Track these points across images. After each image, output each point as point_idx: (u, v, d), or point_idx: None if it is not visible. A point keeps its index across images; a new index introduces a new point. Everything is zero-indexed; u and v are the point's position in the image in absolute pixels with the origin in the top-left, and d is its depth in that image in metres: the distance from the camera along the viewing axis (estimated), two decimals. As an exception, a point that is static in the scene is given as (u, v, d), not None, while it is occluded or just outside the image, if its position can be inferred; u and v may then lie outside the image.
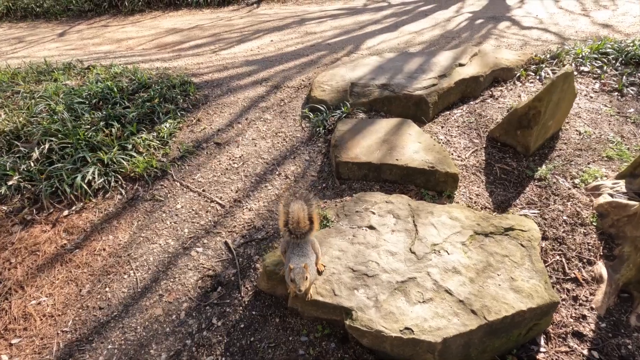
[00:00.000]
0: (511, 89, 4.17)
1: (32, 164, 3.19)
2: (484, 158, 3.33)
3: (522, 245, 2.31)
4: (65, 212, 2.98)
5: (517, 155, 3.32)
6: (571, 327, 2.25)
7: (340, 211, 2.65)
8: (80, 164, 3.21)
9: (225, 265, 2.62)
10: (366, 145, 3.17)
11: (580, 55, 4.50)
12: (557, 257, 2.57)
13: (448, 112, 3.92)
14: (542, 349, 2.15)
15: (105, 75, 4.50)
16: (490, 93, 4.14)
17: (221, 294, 2.45)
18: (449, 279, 2.11)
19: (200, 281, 2.53)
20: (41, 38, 7.81)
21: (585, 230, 2.69)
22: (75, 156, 3.23)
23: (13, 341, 2.25)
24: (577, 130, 3.54)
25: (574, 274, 2.49)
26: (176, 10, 9.21)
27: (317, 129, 3.64)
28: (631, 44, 4.51)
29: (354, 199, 2.75)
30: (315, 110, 3.88)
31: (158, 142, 3.55)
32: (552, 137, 3.47)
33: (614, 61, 4.38)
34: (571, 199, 2.89)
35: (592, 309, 2.34)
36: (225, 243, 2.75)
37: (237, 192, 3.15)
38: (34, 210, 2.98)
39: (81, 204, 3.04)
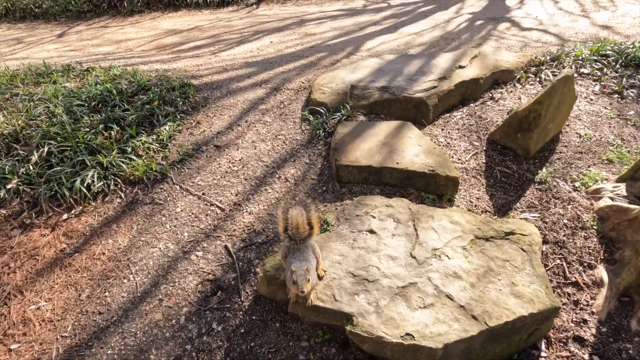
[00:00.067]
0: (511, 91, 4.16)
1: (31, 167, 3.18)
2: (484, 161, 3.32)
3: (522, 249, 2.31)
4: (65, 216, 2.97)
5: (517, 158, 3.32)
6: (572, 332, 2.25)
7: (340, 215, 2.65)
8: (80, 168, 3.20)
9: (225, 270, 2.61)
10: (366, 149, 3.16)
11: (580, 57, 4.50)
12: (558, 261, 2.56)
13: (448, 115, 3.91)
14: (543, 354, 2.15)
15: (105, 77, 4.48)
16: (491, 95, 4.14)
17: (221, 299, 2.44)
18: (449, 284, 2.10)
19: (200, 285, 2.52)
20: (40, 39, 7.79)
21: (585, 234, 2.69)
22: (75, 159, 3.22)
23: (12, 346, 2.24)
24: (577, 133, 3.54)
25: (575, 278, 2.49)
26: (175, 11, 9.19)
27: (317, 132, 3.63)
28: (631, 46, 4.50)
29: (354, 202, 2.74)
30: (315, 113, 3.87)
31: (157, 145, 3.53)
32: (552, 139, 3.47)
33: (614, 63, 4.38)
34: (572, 203, 2.89)
35: (592, 313, 2.34)
36: (225, 247, 2.74)
37: (237, 195, 3.14)
38: (33, 214, 2.97)
39: (80, 207, 3.03)
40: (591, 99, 3.98)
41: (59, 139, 3.38)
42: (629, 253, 2.48)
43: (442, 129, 3.72)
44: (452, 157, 3.38)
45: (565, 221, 2.77)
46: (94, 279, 2.59)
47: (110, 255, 2.73)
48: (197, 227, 2.91)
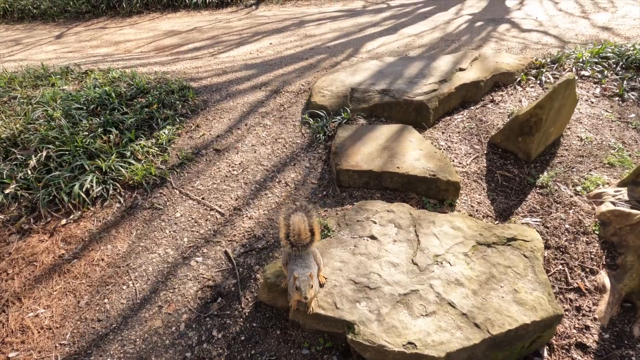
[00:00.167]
0: (512, 94, 4.15)
1: (29, 172, 3.15)
2: (485, 165, 3.31)
3: (525, 255, 2.29)
4: (63, 221, 2.95)
5: (518, 162, 3.30)
6: (574, 338, 2.23)
7: (341, 220, 2.63)
8: (78, 172, 3.18)
9: (225, 276, 2.59)
10: (367, 153, 3.15)
11: (581, 60, 4.49)
12: (560, 267, 2.55)
13: (449, 118, 3.90)
14: (545, 361, 2.14)
15: (103, 80, 4.46)
16: (491, 98, 4.12)
17: (221, 305, 2.42)
18: (451, 291, 2.09)
19: (200, 292, 2.51)
20: (38, 40, 7.76)
21: (587, 239, 2.68)
22: (73, 164, 3.20)
23: (10, 355, 2.22)
24: (578, 137, 3.53)
25: (577, 283, 2.47)
26: (174, 12, 9.16)
27: (317, 135, 3.62)
28: (631, 48, 4.50)
29: (355, 207, 2.72)
30: (315, 116, 3.85)
31: (157, 148, 3.51)
32: (553, 143, 3.45)
33: (614, 65, 4.37)
34: (573, 207, 2.88)
35: (595, 319, 2.33)
36: (225, 252, 2.73)
37: (236, 200, 3.12)
38: (32, 220, 2.95)
39: (79, 212, 3.01)
40: (592, 102, 3.96)
41: (57, 143, 3.35)
42: (631, 258, 2.47)
43: (443, 132, 3.70)
44: (453, 160, 3.37)
45: (567, 226, 2.76)
46: (93, 285, 2.57)
47: (110, 261, 2.71)
48: (197, 232, 2.89)
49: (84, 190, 3.03)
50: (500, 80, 4.29)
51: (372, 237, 2.44)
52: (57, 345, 2.26)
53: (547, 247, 2.65)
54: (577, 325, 2.29)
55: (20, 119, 3.71)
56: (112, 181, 3.17)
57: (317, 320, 2.07)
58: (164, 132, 3.67)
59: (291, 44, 6.28)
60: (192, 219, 2.98)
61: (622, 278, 2.43)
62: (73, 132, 3.47)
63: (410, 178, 2.92)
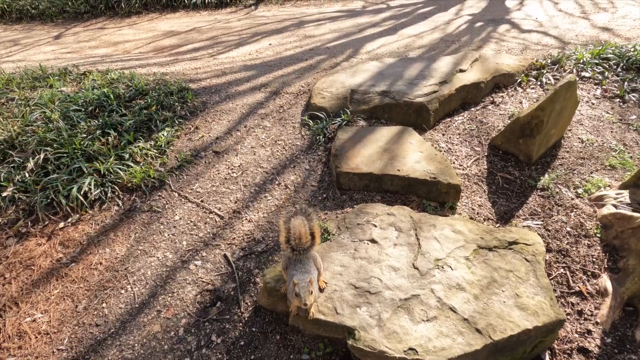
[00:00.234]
0: (512, 95, 4.13)
1: (27, 175, 3.13)
2: (485, 167, 3.29)
3: (526, 259, 2.28)
4: (61, 224, 2.93)
5: (519, 164, 3.29)
6: (576, 343, 2.22)
7: (341, 223, 2.61)
8: (76, 175, 3.15)
9: (224, 280, 2.57)
10: (367, 155, 3.13)
11: (582, 61, 4.47)
12: (562, 270, 2.53)
13: (449, 119, 3.88)
14: (547, 366, 2.12)
15: (102, 81, 4.43)
16: (492, 99, 4.11)
17: (220, 310, 2.40)
18: (453, 296, 2.07)
19: (199, 296, 2.48)
20: (37, 41, 7.72)
21: (589, 242, 2.66)
22: (71, 166, 3.17)
23: (7, 360, 2.20)
24: (579, 138, 3.51)
25: (579, 287, 2.46)
26: (173, 12, 9.13)
27: (317, 137, 3.60)
28: (632, 49, 4.48)
29: (355, 210, 2.70)
30: (315, 118, 3.83)
31: (155, 151, 3.49)
32: (554, 145, 3.44)
33: (615, 67, 4.35)
34: (574, 210, 2.86)
35: (597, 323, 2.31)
36: (225, 256, 2.70)
37: (236, 202, 3.10)
38: (29, 223, 2.93)
39: (77, 215, 2.98)
40: (593, 104, 3.95)
41: (55, 145, 3.33)
42: (633, 262, 2.45)
43: (443, 134, 3.68)
44: (454, 162, 3.35)
45: (569, 229, 2.74)
46: (91, 289, 2.55)
47: (108, 265, 2.69)
48: (196, 235, 2.87)
49: (82, 193, 3.01)
50: (501, 82, 4.28)
51: (373, 241, 2.42)
52: (54, 350, 2.24)
53: (548, 250, 2.64)
54: (579, 330, 2.28)
55: (18, 121, 3.68)
56: (110, 184, 3.15)
57: (317, 326, 2.06)
58: (163, 134, 3.64)
59: (291, 44, 6.26)
60: (191, 222, 2.96)
61: (624, 282, 2.41)
62: (71, 134, 3.45)
63: (410, 181, 2.90)
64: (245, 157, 3.52)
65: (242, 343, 2.22)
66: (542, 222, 2.80)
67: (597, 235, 2.68)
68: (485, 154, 3.42)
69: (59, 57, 6.42)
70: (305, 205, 2.80)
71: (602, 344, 2.21)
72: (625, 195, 2.80)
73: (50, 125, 3.56)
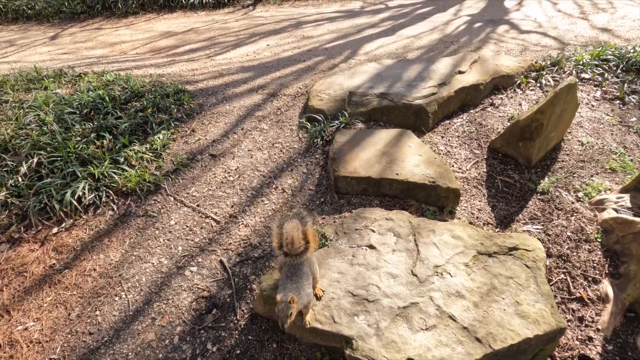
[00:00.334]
0: (512, 97, 4.10)
1: (20, 179, 3.08)
2: (485, 170, 3.26)
3: (526, 266, 2.24)
4: (55, 230, 2.88)
5: (519, 167, 3.25)
6: (577, 350, 2.19)
7: (339, 229, 2.57)
8: (70, 179, 3.11)
9: (220, 286, 2.53)
10: (365, 158, 3.09)
11: (581, 62, 4.44)
12: (562, 276, 2.50)
13: (448, 122, 3.84)
14: (548, 375, 2.09)
15: (97, 83, 4.38)
16: (491, 101, 4.07)
17: (216, 317, 2.36)
18: (452, 303, 2.03)
19: (194, 303, 2.44)
20: (32, 41, 7.66)
21: (590, 247, 2.63)
22: (65, 170, 3.13)
23: (-2, 370, 2.15)
24: (579, 141, 3.48)
25: (579, 293, 2.43)
26: (171, 13, 9.07)
27: (315, 140, 3.56)
28: (632, 51, 4.45)
29: (353, 215, 2.67)
30: (313, 120, 3.79)
31: (151, 154, 3.45)
32: (554, 148, 3.41)
33: (614, 68, 4.33)
34: (575, 214, 2.83)
35: (598, 330, 2.28)
36: (221, 262, 2.66)
37: (232, 206, 3.06)
38: (22, 228, 2.88)
39: (71, 220, 2.94)
40: (592, 105, 3.92)
41: (49, 149, 3.28)
42: (634, 267, 2.42)
43: (442, 137, 3.65)
44: (453, 165, 3.32)
45: (569, 233, 2.71)
46: (85, 296, 2.50)
47: (102, 271, 2.64)
48: (192, 240, 2.82)
49: (76, 197, 2.96)
50: (500, 83, 4.25)
51: (371, 247, 2.38)
52: (46, 359, 2.20)
53: (548, 255, 2.61)
54: (580, 337, 2.25)
55: (11, 124, 3.63)
56: (105, 188, 3.10)
57: (315, 334, 2.02)
58: (159, 137, 3.60)
59: (288, 45, 6.21)
60: (187, 226, 2.92)
61: (625, 287, 2.38)
62: (65, 138, 3.40)
63: (409, 185, 2.86)
64: (242, 160, 3.48)
65: (238, 351, 2.18)
66: (542, 227, 2.77)
67: (598, 240, 2.65)
68: (485, 156, 3.38)
69: (55, 58, 6.36)
70: (301, 209, 2.77)
71: (604, 352, 2.18)
72: (626, 199, 2.77)
73: (44, 129, 3.51)
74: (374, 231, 2.49)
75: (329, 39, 6.39)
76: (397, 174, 2.90)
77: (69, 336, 2.30)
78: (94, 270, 2.65)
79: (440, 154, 3.43)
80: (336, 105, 3.84)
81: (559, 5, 7.47)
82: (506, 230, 2.78)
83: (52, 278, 2.60)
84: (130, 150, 3.39)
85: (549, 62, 4.55)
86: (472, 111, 3.97)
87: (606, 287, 2.43)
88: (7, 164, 3.20)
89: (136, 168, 3.29)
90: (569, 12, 7.00)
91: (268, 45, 6.29)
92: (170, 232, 2.88)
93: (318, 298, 2.08)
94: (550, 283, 2.46)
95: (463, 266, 2.23)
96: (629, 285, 2.37)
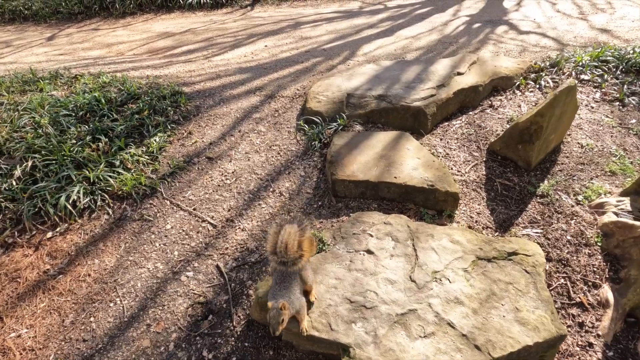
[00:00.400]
0: (511, 99, 4.07)
1: (14, 183, 3.04)
2: (484, 173, 3.23)
3: (526, 271, 2.22)
4: (49, 234, 2.85)
5: (518, 170, 3.23)
6: (578, 357, 2.16)
7: (336, 233, 2.55)
8: (65, 182, 3.07)
9: (216, 291, 2.50)
10: (363, 161, 3.06)
11: (581, 63, 4.42)
12: (562, 280, 2.48)
13: (447, 124, 3.82)
14: (548, 382, 2.06)
15: (93, 85, 4.35)
16: (490, 103, 4.05)
17: (212, 323, 2.33)
18: (451, 310, 2.01)
19: (190, 309, 2.41)
20: (29, 42, 7.62)
21: (590, 251, 2.60)
22: (60, 174, 3.09)
23: (-10, 378, 2.12)
24: (579, 143, 3.46)
25: (579, 298, 2.40)
26: (168, 13, 9.03)
27: (313, 142, 3.53)
28: (631, 51, 4.43)
29: (351, 219, 2.64)
30: (311, 122, 3.76)
31: (147, 157, 3.41)
32: (553, 150, 3.38)
33: (614, 69, 4.30)
34: (575, 217, 2.81)
35: (598, 335, 2.25)
36: (217, 267, 2.63)
37: (229, 210, 3.03)
38: (16, 233, 2.84)
39: (65, 225, 2.90)
40: (592, 107, 3.90)
41: (44, 152, 3.24)
42: (634, 272, 2.40)
43: (441, 139, 3.62)
44: (452, 168, 3.29)
45: (569, 237, 2.69)
46: (79, 302, 2.47)
47: (96, 276, 2.61)
48: (188, 245, 2.79)
49: (70, 201, 2.93)
50: (499, 85, 4.22)
51: (369, 252, 2.35)
52: (39, 367, 2.17)
53: (548, 259, 2.58)
54: (580, 343, 2.22)
55: (6, 127, 3.59)
56: (100, 192, 3.07)
57: (312, 342, 1.99)
58: (155, 140, 3.56)
59: (287, 46, 6.18)
60: (183, 231, 2.89)
61: (625, 292, 2.36)
62: (60, 141, 3.36)
63: (407, 188, 2.84)
64: (239, 163, 3.45)
65: (234, 359, 2.15)
66: (541, 231, 2.75)
67: (598, 244, 2.63)
68: (484, 159, 3.36)
69: (52, 59, 6.31)
70: (300, 214, 2.74)
71: (604, 358, 2.16)
72: (627, 203, 2.75)
73: (40, 131, 3.47)
74: (372, 236, 2.46)
75: (327, 40, 6.36)
76: (396, 178, 2.87)
77: (63, 343, 2.27)
78: (89, 275, 2.61)
79: (438, 156, 3.41)
80: (334, 107, 3.80)
81: (558, 6, 7.44)
82: (505, 234, 2.76)
83: (46, 284, 2.57)
84: (126, 153, 3.36)
85: (548, 63, 4.52)
86: (471, 113, 3.94)
87: (606, 292, 2.41)
88: (1, 168, 3.16)
89: (132, 171, 3.26)
90: (568, 12, 6.98)
91: (266, 46, 6.25)
92: (166, 236, 2.85)
93: (310, 304, 2.04)
94: (550, 288, 2.44)
95: (462, 272, 2.20)
96: (630, 290, 2.35)
